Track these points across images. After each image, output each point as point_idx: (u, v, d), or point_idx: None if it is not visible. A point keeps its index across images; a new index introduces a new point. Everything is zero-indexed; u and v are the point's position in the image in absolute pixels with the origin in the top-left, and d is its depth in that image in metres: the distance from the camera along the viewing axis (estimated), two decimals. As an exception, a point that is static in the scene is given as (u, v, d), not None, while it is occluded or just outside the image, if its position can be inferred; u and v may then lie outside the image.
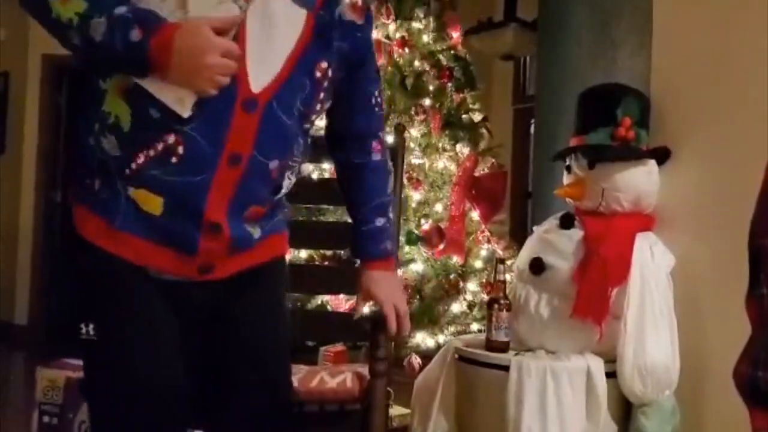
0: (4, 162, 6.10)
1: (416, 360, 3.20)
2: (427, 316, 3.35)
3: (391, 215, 1.80)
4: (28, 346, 5.74)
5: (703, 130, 2.44)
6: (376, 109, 1.76)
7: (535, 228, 2.59)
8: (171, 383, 1.47)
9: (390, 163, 1.83)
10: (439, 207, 3.51)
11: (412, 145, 3.44)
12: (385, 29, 3.62)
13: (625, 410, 2.28)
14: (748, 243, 1.53)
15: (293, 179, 1.62)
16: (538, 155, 2.97)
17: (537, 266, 2.40)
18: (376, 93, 1.76)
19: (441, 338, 3.29)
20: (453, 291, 3.41)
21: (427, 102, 3.59)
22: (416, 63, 3.61)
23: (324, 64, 1.54)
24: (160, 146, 1.41)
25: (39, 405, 2.37)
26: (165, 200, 1.45)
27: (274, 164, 1.51)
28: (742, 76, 2.34)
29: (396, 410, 2.63)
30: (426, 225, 3.46)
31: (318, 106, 1.58)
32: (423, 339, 3.30)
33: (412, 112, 3.54)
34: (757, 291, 1.46)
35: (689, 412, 2.30)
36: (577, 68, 2.76)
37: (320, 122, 1.75)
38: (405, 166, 3.04)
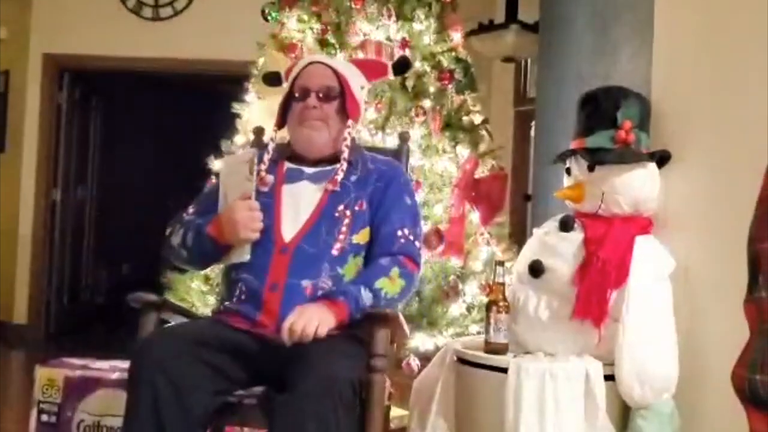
0: (4, 161, 6.09)
1: (415, 362, 3.19)
2: (426, 317, 3.35)
3: (363, 301, 2.02)
4: (27, 345, 5.74)
5: (703, 133, 2.44)
6: (402, 240, 2.17)
7: (534, 230, 2.59)
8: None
9: (394, 271, 2.10)
10: (439, 209, 3.49)
11: (412, 146, 3.43)
12: (386, 30, 3.61)
13: (623, 413, 2.28)
14: (747, 247, 1.54)
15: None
16: (538, 157, 2.98)
17: (536, 268, 2.40)
18: (406, 230, 2.18)
19: (440, 340, 3.28)
20: (452, 293, 3.40)
21: (427, 103, 3.57)
22: (417, 64, 3.59)
23: (341, 207, 2.14)
24: (236, 289, 2.13)
25: (38, 403, 2.37)
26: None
27: (306, 283, 2.06)
28: (743, 79, 2.34)
29: (394, 411, 2.63)
30: (426, 227, 3.46)
31: (342, 236, 2.12)
32: (422, 341, 3.29)
33: (413, 114, 3.53)
34: (755, 294, 1.46)
35: (688, 416, 2.30)
36: (577, 71, 2.76)
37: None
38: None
